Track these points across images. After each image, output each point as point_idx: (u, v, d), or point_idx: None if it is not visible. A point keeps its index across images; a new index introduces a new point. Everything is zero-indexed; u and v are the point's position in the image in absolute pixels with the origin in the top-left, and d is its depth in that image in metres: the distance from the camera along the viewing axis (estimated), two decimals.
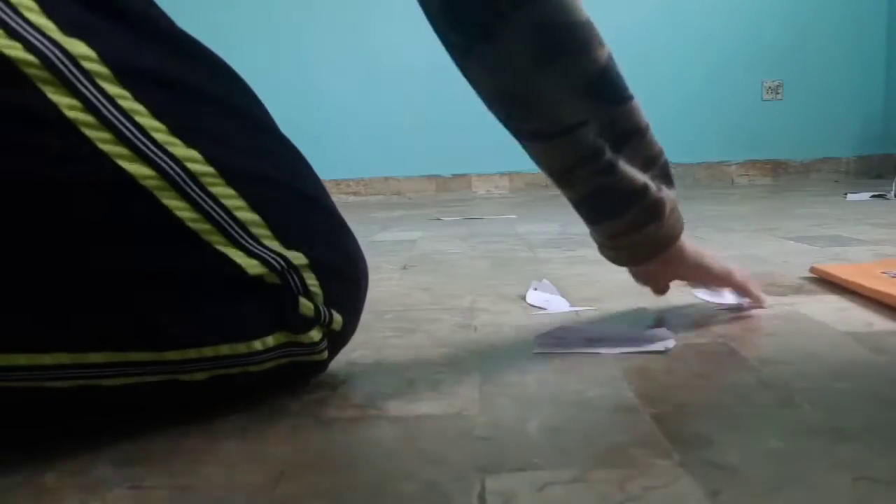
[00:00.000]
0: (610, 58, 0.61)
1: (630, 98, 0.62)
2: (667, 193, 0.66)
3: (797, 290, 0.90)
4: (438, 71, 3.25)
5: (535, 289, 0.94)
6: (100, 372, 0.47)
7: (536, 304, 0.88)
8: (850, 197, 2.26)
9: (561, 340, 0.67)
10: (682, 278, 0.77)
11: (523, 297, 0.92)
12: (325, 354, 0.56)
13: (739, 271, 0.77)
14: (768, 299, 0.80)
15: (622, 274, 1.07)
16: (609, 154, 0.62)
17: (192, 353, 0.48)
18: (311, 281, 0.52)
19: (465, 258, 1.31)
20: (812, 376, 0.57)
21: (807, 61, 3.25)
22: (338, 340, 0.57)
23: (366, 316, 0.85)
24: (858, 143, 3.32)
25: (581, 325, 0.76)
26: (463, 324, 0.79)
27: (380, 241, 1.66)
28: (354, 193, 3.29)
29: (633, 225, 0.65)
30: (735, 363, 0.61)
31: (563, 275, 1.08)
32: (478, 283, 1.04)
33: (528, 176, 3.30)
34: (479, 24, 0.57)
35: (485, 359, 0.65)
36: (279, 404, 0.55)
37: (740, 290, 0.77)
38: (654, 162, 0.65)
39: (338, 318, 0.55)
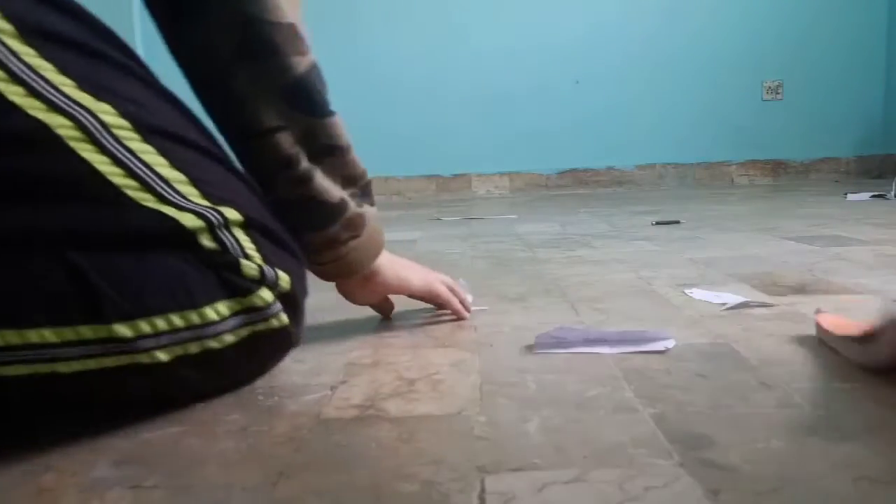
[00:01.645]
0: (313, 68, 0.61)
1: (331, 114, 0.62)
2: (368, 210, 0.68)
3: (797, 290, 0.90)
4: (438, 71, 3.26)
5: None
6: (53, 353, 0.45)
7: None
8: (850, 197, 2.26)
9: (561, 340, 0.67)
10: (387, 292, 0.78)
11: (523, 298, 0.92)
12: (284, 318, 0.55)
13: (441, 282, 0.79)
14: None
15: (622, 274, 1.08)
16: (306, 164, 0.61)
17: (143, 326, 0.47)
18: (248, 243, 0.52)
19: (465, 258, 1.31)
20: (812, 376, 0.57)
21: (807, 61, 3.25)
22: (292, 303, 0.56)
23: (366, 316, 0.85)
24: (858, 143, 3.32)
25: (581, 325, 0.76)
26: (463, 324, 0.79)
27: None
28: None
29: (334, 238, 0.65)
30: (735, 363, 0.61)
31: (563, 275, 1.08)
32: (478, 283, 1.04)
33: (527, 176, 3.30)
34: (182, 3, 0.57)
35: (485, 359, 0.65)
36: (279, 404, 0.55)
37: (440, 302, 0.79)
38: (354, 181, 0.66)
39: (283, 276, 0.54)
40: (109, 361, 0.47)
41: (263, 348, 0.56)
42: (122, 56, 0.53)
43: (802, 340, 0.67)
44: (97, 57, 0.50)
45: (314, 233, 0.64)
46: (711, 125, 3.28)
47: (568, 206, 2.49)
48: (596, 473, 0.41)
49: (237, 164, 0.58)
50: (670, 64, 3.24)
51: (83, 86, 0.47)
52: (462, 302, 0.81)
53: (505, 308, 0.87)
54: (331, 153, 0.63)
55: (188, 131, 0.54)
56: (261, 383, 0.60)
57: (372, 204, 0.69)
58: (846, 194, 2.35)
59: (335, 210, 0.64)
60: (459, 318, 0.80)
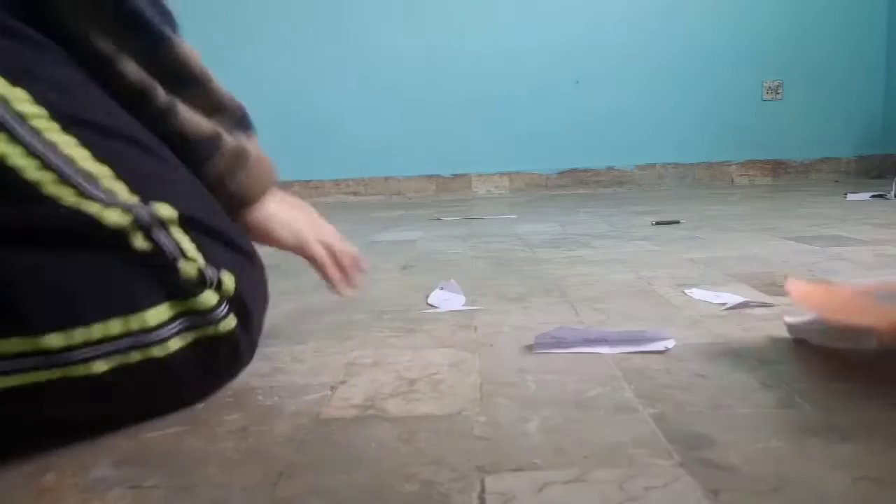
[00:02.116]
0: None
1: (168, 39, 0.55)
2: (248, 143, 0.62)
3: None
4: (438, 71, 3.26)
5: (442, 288, 0.96)
6: None
7: (433, 304, 0.90)
8: (850, 197, 2.26)
9: (561, 340, 0.67)
10: (280, 239, 0.68)
11: (523, 297, 0.92)
12: (232, 323, 0.52)
13: (321, 242, 0.71)
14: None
15: (622, 274, 1.07)
16: (164, 97, 0.55)
17: (78, 337, 0.44)
18: (187, 244, 0.49)
19: (465, 258, 1.31)
20: (812, 376, 0.57)
21: (807, 61, 3.25)
22: (240, 307, 0.53)
23: (366, 316, 0.85)
24: (858, 143, 3.32)
25: (581, 325, 0.76)
26: (463, 324, 0.79)
27: (380, 241, 1.66)
28: (354, 193, 3.29)
29: (224, 170, 0.59)
30: (735, 363, 0.61)
31: (563, 275, 1.08)
32: (478, 283, 1.04)
33: (527, 176, 3.30)
34: None
35: (485, 359, 0.65)
36: (279, 404, 0.55)
37: (315, 265, 0.71)
38: (222, 110, 0.61)
39: (228, 278, 0.51)
40: (42, 376, 0.43)
41: (211, 357, 0.52)
42: (59, 49, 0.49)
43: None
44: (16, 37, 0.46)
45: (202, 167, 0.58)
46: (711, 125, 3.28)
47: (568, 206, 2.48)
48: (596, 473, 0.41)
49: (178, 158, 0.54)
50: (670, 64, 3.24)
51: None
52: (348, 271, 0.73)
53: (505, 308, 0.87)
54: (187, 83, 0.57)
55: (120, 120, 0.50)
56: (260, 383, 0.60)
57: (251, 137, 0.63)
58: (846, 194, 2.35)
59: (210, 143, 0.58)
60: (336, 290, 0.72)
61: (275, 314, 0.88)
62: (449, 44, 3.24)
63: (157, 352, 0.48)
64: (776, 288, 0.92)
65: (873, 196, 2.23)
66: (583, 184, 3.30)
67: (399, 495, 0.40)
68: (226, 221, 0.55)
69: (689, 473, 0.41)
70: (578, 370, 0.60)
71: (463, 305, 0.88)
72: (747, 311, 0.79)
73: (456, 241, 1.59)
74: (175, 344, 0.49)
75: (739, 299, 0.82)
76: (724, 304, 0.82)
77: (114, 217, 0.45)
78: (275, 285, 1.09)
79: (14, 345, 0.42)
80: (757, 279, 0.98)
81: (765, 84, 3.28)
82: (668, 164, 3.29)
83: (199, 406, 0.55)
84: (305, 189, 3.29)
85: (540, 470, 0.42)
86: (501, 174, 3.31)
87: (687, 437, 0.46)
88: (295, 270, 1.24)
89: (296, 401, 0.56)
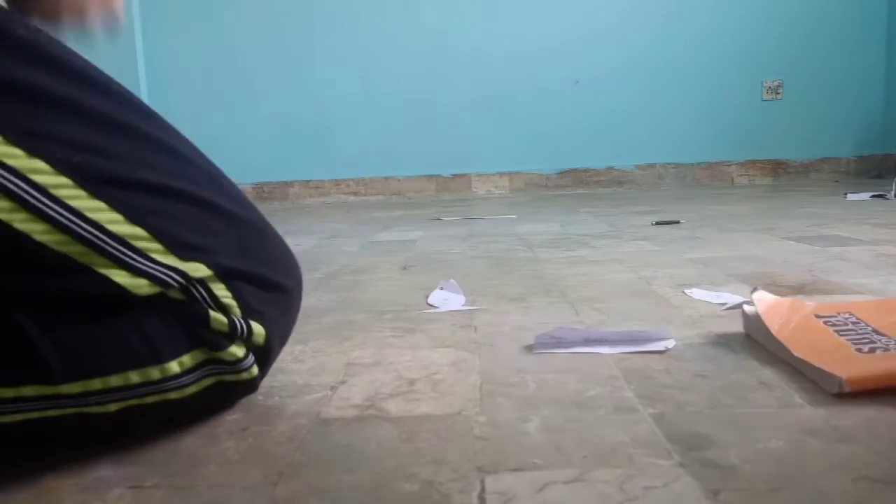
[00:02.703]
0: None
1: None
2: None
3: (797, 290, 0.90)
4: (439, 71, 3.26)
5: (442, 288, 0.97)
6: None
7: (433, 304, 0.90)
8: (850, 197, 2.26)
9: (561, 340, 0.67)
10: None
11: (522, 297, 0.92)
12: (255, 371, 0.51)
13: None
14: None
15: (622, 274, 1.07)
16: None
17: (95, 385, 0.44)
18: (222, 292, 0.48)
19: (465, 258, 1.31)
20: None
21: (807, 61, 3.25)
22: (266, 354, 0.52)
23: (366, 316, 0.85)
24: (858, 143, 3.32)
25: (581, 325, 0.76)
26: (463, 324, 0.79)
27: (380, 241, 1.66)
28: (354, 193, 3.29)
29: None
30: (735, 363, 0.61)
31: (563, 275, 1.08)
32: (478, 283, 1.04)
33: (527, 176, 3.30)
34: None
35: (485, 359, 0.65)
36: (279, 404, 0.55)
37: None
38: None
39: (259, 329, 0.50)
40: (54, 413, 0.45)
41: (226, 396, 0.52)
42: (69, 82, 0.45)
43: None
44: (35, 95, 0.43)
45: None
46: (711, 125, 3.28)
47: (568, 206, 2.48)
48: (596, 473, 0.41)
49: (219, 198, 0.50)
50: (670, 64, 3.24)
51: (12, 138, 0.41)
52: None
53: (505, 308, 0.87)
54: None
55: (157, 169, 0.47)
56: (260, 383, 0.60)
57: None
58: (846, 194, 2.35)
59: None
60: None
61: None
62: (449, 44, 3.24)
63: (174, 395, 0.47)
64: (776, 288, 0.92)
65: (873, 196, 2.23)
66: (583, 184, 3.30)
67: (399, 495, 0.40)
68: (266, 259, 0.52)
69: (689, 473, 0.41)
70: (578, 370, 0.60)
71: (463, 305, 0.88)
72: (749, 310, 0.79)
73: (456, 241, 1.59)
74: (193, 389, 0.48)
75: (739, 299, 0.82)
76: (724, 304, 0.82)
77: (143, 288, 0.45)
78: None
79: (32, 390, 0.43)
80: (757, 279, 0.98)
81: (765, 84, 3.28)
82: (668, 164, 3.29)
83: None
84: (305, 189, 3.29)
85: (540, 470, 0.42)
86: (501, 174, 3.31)
87: (687, 437, 0.46)
88: None
89: (296, 401, 0.56)
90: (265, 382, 0.60)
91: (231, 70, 3.23)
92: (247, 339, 0.49)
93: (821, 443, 0.44)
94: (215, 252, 0.48)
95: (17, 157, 0.41)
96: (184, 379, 0.47)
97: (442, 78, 3.25)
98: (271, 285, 0.52)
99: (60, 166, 0.42)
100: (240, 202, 0.52)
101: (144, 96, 3.18)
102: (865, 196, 2.25)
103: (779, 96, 3.29)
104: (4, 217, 0.41)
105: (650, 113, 3.26)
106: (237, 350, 0.49)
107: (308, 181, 3.29)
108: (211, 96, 3.24)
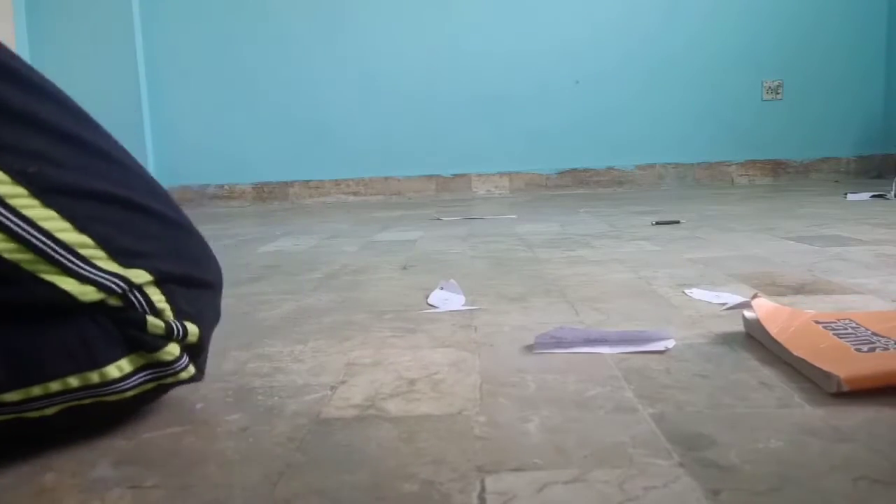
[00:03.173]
0: None
1: None
2: None
3: (797, 290, 0.90)
4: (438, 71, 3.26)
5: (442, 288, 0.97)
6: None
7: (433, 304, 0.90)
8: (850, 197, 2.26)
9: (561, 340, 0.67)
10: None
11: (522, 297, 0.92)
12: (192, 370, 0.53)
13: None
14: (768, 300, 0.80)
15: (622, 274, 1.07)
16: None
17: (35, 391, 0.45)
18: (157, 297, 0.49)
19: (465, 258, 1.31)
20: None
21: (807, 61, 3.25)
22: (199, 350, 0.54)
23: (366, 316, 0.85)
24: (858, 143, 3.32)
25: (581, 325, 0.76)
26: (463, 324, 0.79)
27: (380, 241, 1.66)
28: (354, 193, 3.29)
29: None
30: (735, 363, 0.61)
31: (563, 275, 1.08)
32: (478, 283, 1.04)
33: (527, 176, 3.30)
34: None
35: (485, 359, 0.65)
36: (279, 404, 0.55)
37: None
38: None
39: (193, 329, 0.51)
40: None
41: (162, 393, 0.53)
42: (28, 94, 0.46)
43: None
44: None
45: None
46: (711, 125, 3.29)
47: (568, 206, 2.48)
48: (596, 473, 0.41)
49: (154, 202, 0.51)
50: (670, 64, 3.24)
51: None
52: None
53: (505, 308, 0.87)
54: None
55: (101, 177, 0.48)
56: (260, 383, 0.60)
57: None
58: (846, 194, 2.35)
59: None
60: None
61: (275, 314, 0.88)
62: (449, 44, 3.24)
63: (112, 398, 0.48)
64: (776, 288, 0.92)
65: (873, 196, 2.23)
66: (583, 184, 3.30)
67: (399, 495, 0.40)
68: (194, 258, 0.54)
69: (689, 473, 0.41)
70: (578, 370, 0.60)
71: (463, 305, 0.88)
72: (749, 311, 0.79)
73: (456, 241, 1.59)
74: (133, 392, 0.49)
75: (739, 299, 0.82)
76: (724, 304, 0.82)
77: (89, 294, 0.46)
78: (275, 285, 1.09)
79: None
80: (757, 279, 0.98)
81: (765, 84, 3.28)
82: (668, 164, 3.29)
83: (199, 406, 0.55)
84: (305, 189, 3.29)
85: (540, 470, 0.42)
86: (501, 174, 3.31)
87: (687, 437, 0.46)
88: (295, 270, 1.24)
89: (296, 401, 0.56)
90: (265, 382, 0.60)
91: (231, 70, 3.23)
92: (182, 340, 0.51)
93: (821, 443, 0.44)
94: (153, 256, 0.49)
95: None
96: (123, 384, 0.48)
97: (442, 78, 3.25)
98: (200, 283, 0.54)
99: (18, 176, 0.43)
100: (169, 204, 0.53)
101: (144, 96, 3.19)
102: (865, 196, 2.25)
103: (779, 96, 3.29)
104: None
105: (650, 113, 3.26)
106: (173, 349, 0.50)
107: (308, 181, 3.29)
108: (211, 96, 3.24)
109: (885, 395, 0.51)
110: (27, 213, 0.43)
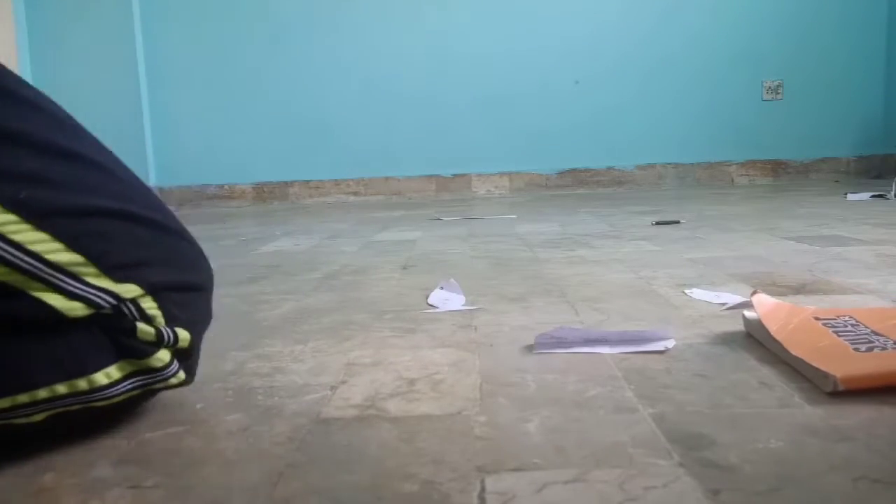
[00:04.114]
0: None
1: None
2: None
3: (797, 290, 0.90)
4: (438, 72, 3.26)
5: (442, 288, 0.96)
6: None
7: (433, 304, 0.90)
8: (850, 197, 2.26)
9: (561, 340, 0.67)
10: None
11: (522, 297, 0.92)
12: (182, 376, 0.53)
13: None
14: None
15: (622, 274, 1.07)
16: None
17: (22, 398, 0.45)
18: (148, 304, 0.49)
19: (465, 258, 1.31)
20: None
21: (807, 61, 3.25)
22: (190, 355, 0.54)
23: (366, 316, 0.85)
24: (858, 143, 3.32)
25: (581, 325, 0.76)
26: (463, 324, 0.79)
27: (380, 240, 1.66)
28: (354, 193, 3.29)
29: None
30: (735, 363, 0.61)
31: (563, 275, 1.08)
32: (478, 283, 1.04)
33: (527, 176, 3.30)
34: None
35: (485, 359, 0.65)
36: (279, 404, 0.55)
37: None
38: None
39: (184, 335, 0.51)
40: None
41: (150, 397, 0.54)
42: (15, 112, 0.46)
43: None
44: None
45: None
46: (711, 125, 3.28)
47: (568, 206, 2.48)
48: (596, 473, 0.41)
49: (145, 210, 0.51)
50: (670, 64, 3.24)
51: None
52: None
53: (505, 308, 0.87)
54: None
55: (95, 192, 0.48)
56: (260, 383, 0.60)
57: None
58: (846, 194, 2.35)
59: None
60: None
61: (275, 314, 0.88)
62: (449, 44, 3.24)
63: (99, 404, 0.48)
64: (776, 288, 0.92)
65: (873, 196, 2.23)
66: (583, 184, 3.30)
67: (399, 495, 0.40)
68: (186, 262, 0.54)
69: (689, 473, 0.41)
70: (578, 370, 0.60)
71: (463, 305, 0.88)
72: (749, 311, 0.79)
73: (456, 241, 1.59)
74: (120, 398, 0.49)
75: (739, 299, 0.82)
76: (724, 304, 0.82)
77: (77, 311, 0.46)
78: (275, 285, 1.09)
79: None
80: (757, 279, 0.98)
81: (765, 84, 3.28)
82: (668, 164, 3.29)
83: (199, 406, 0.55)
84: (305, 189, 3.29)
85: (540, 470, 0.42)
86: (501, 174, 3.31)
87: (687, 437, 0.46)
88: (295, 271, 1.24)
89: (296, 401, 0.56)
90: (265, 382, 0.60)
91: (231, 70, 3.23)
92: (173, 346, 0.51)
93: (820, 442, 0.44)
94: (146, 266, 0.49)
95: None
96: (111, 390, 0.48)
97: (442, 78, 3.25)
98: (191, 287, 0.54)
99: (8, 203, 0.43)
100: (160, 209, 0.53)
101: (144, 96, 3.19)
102: (865, 196, 2.25)
103: (779, 96, 3.29)
104: None
105: (650, 113, 3.26)
106: (163, 355, 0.50)
107: (308, 181, 3.29)
108: (211, 96, 3.24)
109: (884, 395, 0.51)
110: (17, 237, 0.43)
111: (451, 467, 0.43)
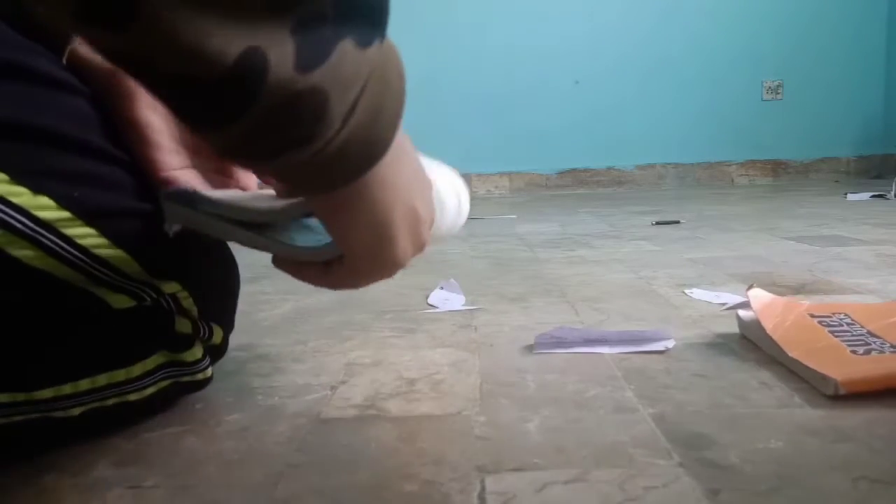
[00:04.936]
0: None
1: None
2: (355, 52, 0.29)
3: (797, 290, 0.90)
4: (438, 71, 3.26)
5: (442, 288, 0.97)
6: None
7: (433, 303, 0.90)
8: (850, 197, 2.26)
9: (561, 340, 0.67)
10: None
11: (522, 297, 0.92)
12: (209, 372, 0.54)
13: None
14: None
15: (622, 274, 1.08)
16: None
17: (66, 389, 0.46)
18: (185, 298, 0.50)
19: (465, 258, 1.31)
20: None
21: (807, 61, 3.25)
22: (220, 352, 0.56)
23: (366, 316, 0.85)
24: (858, 143, 3.32)
25: (581, 325, 0.76)
26: (463, 324, 0.79)
27: None
28: None
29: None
30: (735, 363, 0.61)
31: (563, 275, 1.08)
32: (478, 283, 1.04)
33: (527, 176, 3.30)
34: None
35: (485, 359, 0.65)
36: (279, 404, 0.55)
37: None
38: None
39: (217, 330, 0.53)
40: (20, 417, 0.45)
41: (176, 395, 0.54)
42: (70, 115, 0.46)
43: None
44: (40, 135, 0.43)
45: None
46: (711, 125, 3.28)
47: (568, 206, 2.48)
48: (596, 473, 0.41)
49: None
50: (670, 64, 3.24)
51: (18, 178, 0.42)
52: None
53: (505, 308, 0.87)
54: None
55: (134, 193, 0.48)
56: (261, 383, 0.60)
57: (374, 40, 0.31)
58: (846, 194, 2.35)
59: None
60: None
61: (275, 314, 0.88)
62: (448, 43, 3.24)
63: (133, 397, 0.49)
64: (776, 288, 0.92)
65: (873, 196, 2.23)
66: (583, 184, 3.30)
67: (399, 495, 0.40)
68: (222, 264, 0.56)
69: (689, 473, 0.41)
70: (578, 370, 0.60)
71: (463, 305, 0.88)
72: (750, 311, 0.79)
73: (456, 241, 1.59)
74: (151, 390, 0.50)
75: (739, 299, 0.82)
76: (724, 304, 0.82)
77: (121, 302, 0.47)
78: (275, 285, 1.09)
79: (6, 397, 0.44)
80: (757, 279, 0.98)
81: (765, 84, 3.28)
82: (668, 164, 3.29)
83: (199, 406, 0.55)
84: None
85: (540, 470, 0.42)
86: (501, 174, 3.31)
87: (687, 437, 0.46)
88: None
89: (296, 401, 0.56)
90: (265, 382, 0.60)
91: None
92: (207, 340, 0.52)
93: (820, 443, 0.44)
94: (184, 267, 0.50)
95: (22, 196, 0.42)
96: (145, 380, 0.49)
97: (441, 77, 3.25)
98: (224, 289, 0.56)
99: (62, 201, 0.44)
100: None
101: None
102: (865, 196, 2.25)
103: (779, 96, 3.30)
104: (5, 248, 0.42)
105: (650, 113, 3.26)
106: (196, 351, 0.52)
107: None
108: None
109: (884, 396, 0.51)
110: (68, 231, 0.44)
111: (451, 467, 0.43)
